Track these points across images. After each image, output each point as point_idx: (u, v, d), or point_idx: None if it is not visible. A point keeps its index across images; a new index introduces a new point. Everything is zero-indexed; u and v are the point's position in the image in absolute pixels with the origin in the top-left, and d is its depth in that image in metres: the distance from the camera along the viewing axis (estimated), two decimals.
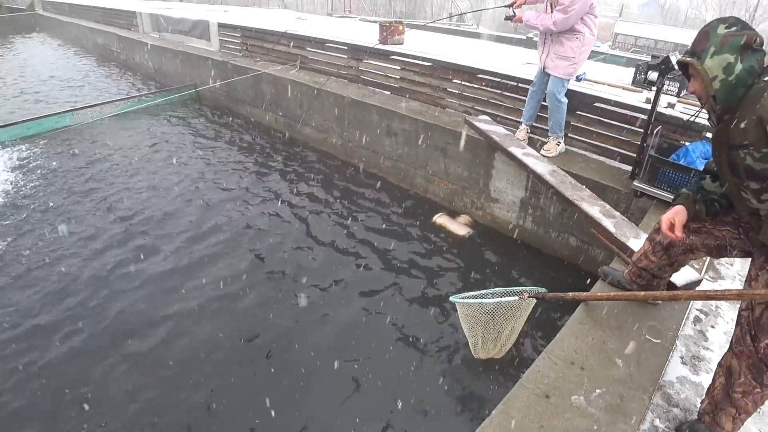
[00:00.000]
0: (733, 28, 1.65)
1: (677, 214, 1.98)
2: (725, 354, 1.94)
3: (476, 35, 15.07)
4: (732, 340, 1.91)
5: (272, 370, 3.40)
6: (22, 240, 4.76)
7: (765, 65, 1.62)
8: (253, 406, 3.11)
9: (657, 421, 2.13)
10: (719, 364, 1.97)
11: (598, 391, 2.10)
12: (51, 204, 5.45)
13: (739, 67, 1.62)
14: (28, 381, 3.23)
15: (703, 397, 2.06)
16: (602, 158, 4.63)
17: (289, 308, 4.01)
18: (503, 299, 2.81)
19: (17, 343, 3.51)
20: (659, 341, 2.41)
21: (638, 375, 2.20)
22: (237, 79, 8.15)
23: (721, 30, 1.66)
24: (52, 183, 5.99)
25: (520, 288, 2.90)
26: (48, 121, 7.74)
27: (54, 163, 6.58)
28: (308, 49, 7.74)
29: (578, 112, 4.75)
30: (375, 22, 10.59)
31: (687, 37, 40.31)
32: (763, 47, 1.65)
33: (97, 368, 3.34)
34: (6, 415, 3.00)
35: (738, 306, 1.92)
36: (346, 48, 7.12)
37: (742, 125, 1.60)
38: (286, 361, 3.46)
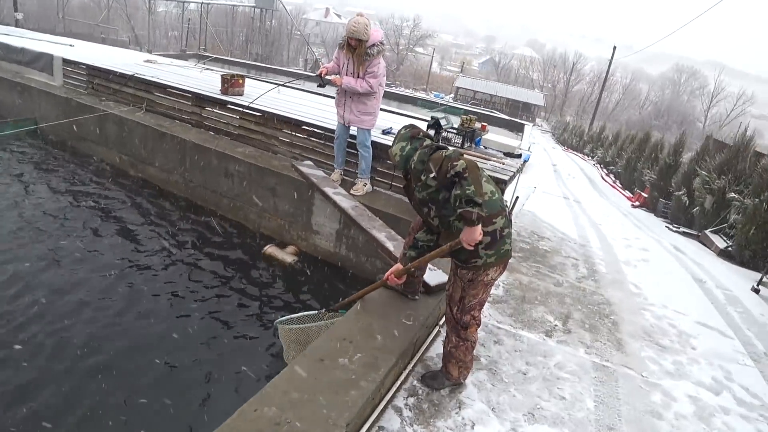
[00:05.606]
0: (408, 129, 2.81)
1: (394, 270, 3.02)
2: None
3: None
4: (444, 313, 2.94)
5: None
6: None
7: (424, 146, 2.71)
8: None
9: (415, 382, 3.12)
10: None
11: (359, 355, 2.95)
12: None
13: (408, 148, 2.73)
14: None
15: None
16: (399, 195, 5.78)
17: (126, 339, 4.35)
18: (309, 324, 3.57)
19: None
20: (411, 323, 3.37)
21: (391, 344, 3.10)
22: (82, 117, 8.05)
23: (403, 130, 2.83)
24: None
25: (322, 310, 3.67)
26: None
27: None
28: (155, 93, 8.05)
29: (381, 159, 5.88)
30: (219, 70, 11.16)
31: (517, 93, 46.58)
32: (425, 138, 2.77)
33: None
34: None
35: None
36: (189, 95, 7.61)
37: (410, 175, 2.70)
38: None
